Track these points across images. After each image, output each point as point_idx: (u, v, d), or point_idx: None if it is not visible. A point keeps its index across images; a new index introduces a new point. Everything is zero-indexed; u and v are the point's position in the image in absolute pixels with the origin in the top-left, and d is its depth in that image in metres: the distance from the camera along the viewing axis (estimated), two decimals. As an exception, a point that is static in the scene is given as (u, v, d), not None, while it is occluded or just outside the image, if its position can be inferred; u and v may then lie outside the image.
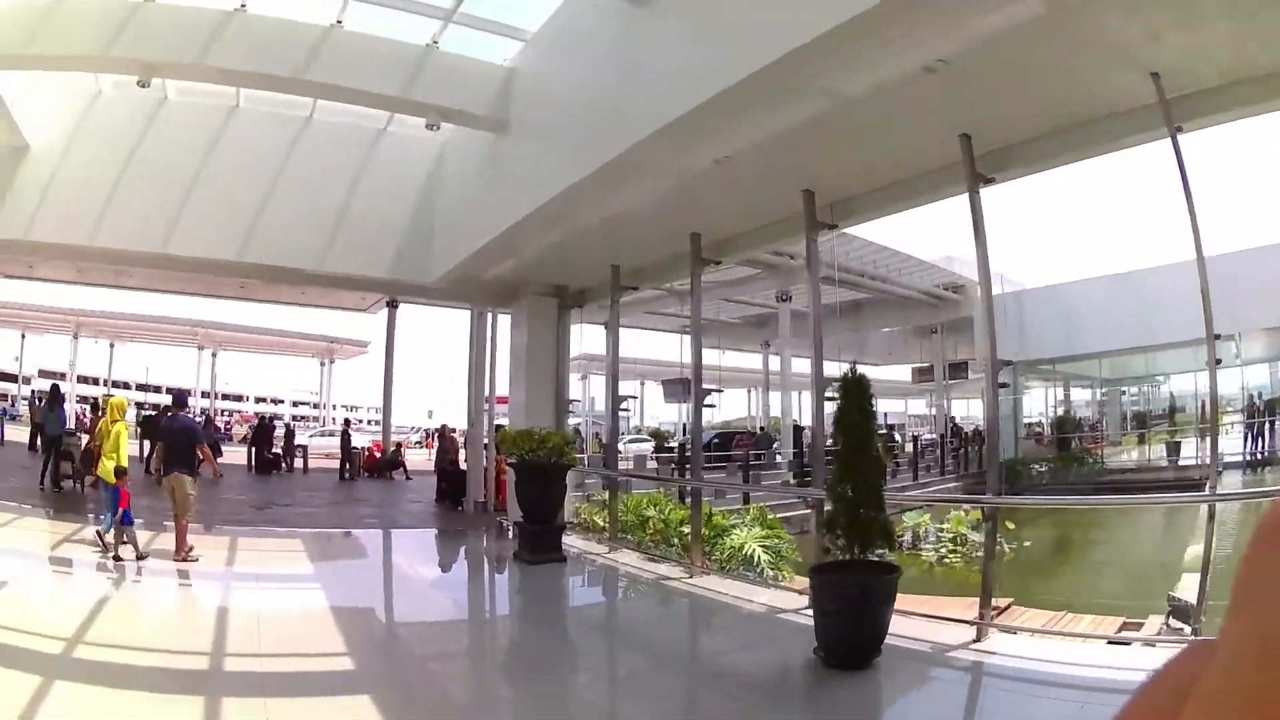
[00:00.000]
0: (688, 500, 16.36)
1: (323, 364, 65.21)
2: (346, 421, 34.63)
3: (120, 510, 12.06)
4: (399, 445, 33.81)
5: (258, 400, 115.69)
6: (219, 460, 22.39)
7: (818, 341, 11.77)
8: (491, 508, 20.12)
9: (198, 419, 26.64)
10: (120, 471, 12.30)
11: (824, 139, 9.73)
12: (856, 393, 8.76)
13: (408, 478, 30.27)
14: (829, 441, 10.08)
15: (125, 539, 12.11)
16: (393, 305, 31.34)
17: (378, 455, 31.59)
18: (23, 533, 14.29)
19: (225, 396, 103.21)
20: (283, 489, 25.53)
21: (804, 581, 11.88)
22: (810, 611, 9.74)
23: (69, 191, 15.77)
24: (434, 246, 16.90)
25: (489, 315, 20.51)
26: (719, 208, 12.71)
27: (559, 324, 18.22)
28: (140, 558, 12.02)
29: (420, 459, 37.43)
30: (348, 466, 29.92)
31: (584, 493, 19.58)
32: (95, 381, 73.98)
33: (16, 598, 9.85)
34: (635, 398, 28.09)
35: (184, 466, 12.62)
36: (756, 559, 13.71)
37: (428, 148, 17.11)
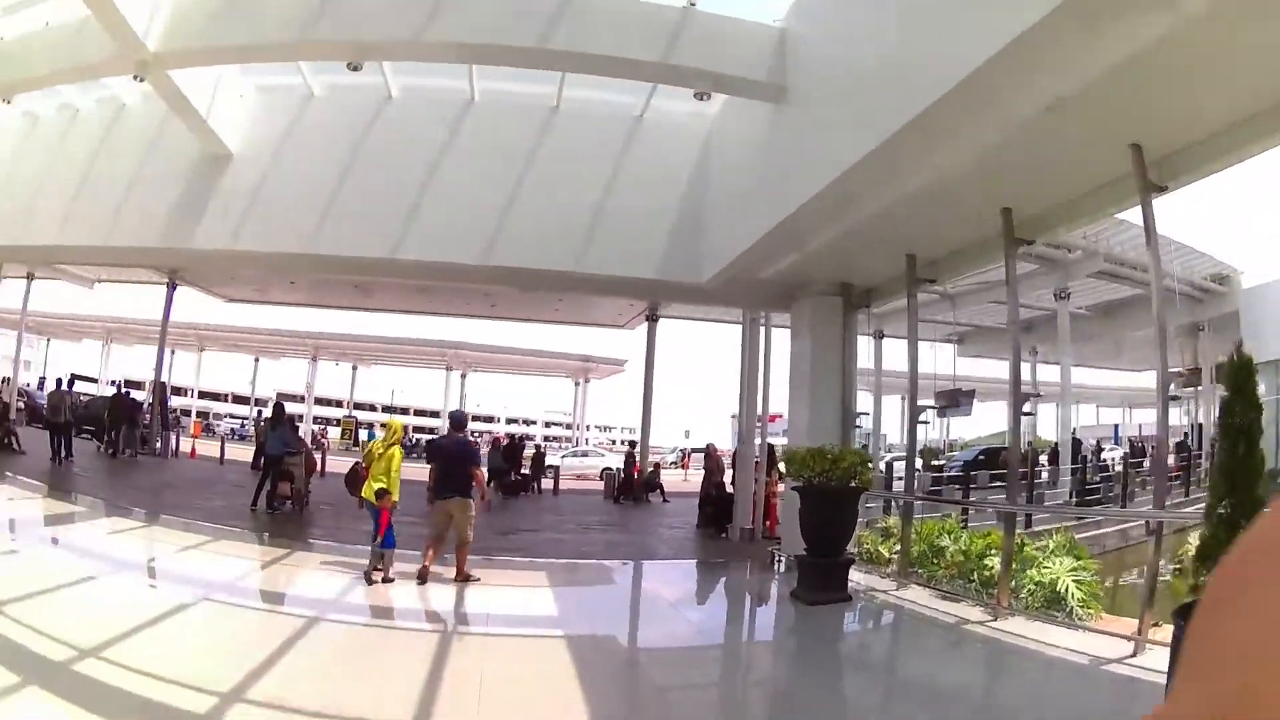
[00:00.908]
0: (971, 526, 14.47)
1: (577, 384, 65.18)
2: (632, 444, 33.06)
3: (381, 533, 11.97)
4: (656, 466, 32.55)
5: (509, 421, 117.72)
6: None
7: (1162, 333, 9.84)
8: (759, 535, 18.51)
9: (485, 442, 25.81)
10: (381, 493, 12.06)
11: (1153, 75, 7.66)
12: (1245, 384, 6.72)
13: (665, 500, 29.02)
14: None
15: (379, 564, 11.89)
16: (652, 319, 29.98)
17: (635, 476, 30.28)
18: (226, 557, 13.55)
19: (476, 418, 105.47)
20: (530, 513, 24.22)
21: (1122, 622, 10.44)
22: (1138, 661, 8.56)
23: (281, 198, 15.46)
24: (705, 242, 15.31)
25: (761, 324, 18.77)
26: (1032, 175, 10.48)
27: (845, 327, 16.01)
28: (386, 580, 11.77)
29: (674, 479, 35.99)
30: (628, 490, 29.10)
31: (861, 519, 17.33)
32: (338, 404, 76.29)
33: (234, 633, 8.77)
34: (933, 407, 25.75)
35: (459, 489, 12.38)
36: (1069, 595, 11.62)
37: (692, 132, 15.63)
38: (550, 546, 17.20)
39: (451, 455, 12.67)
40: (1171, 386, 9.28)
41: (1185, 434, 35.85)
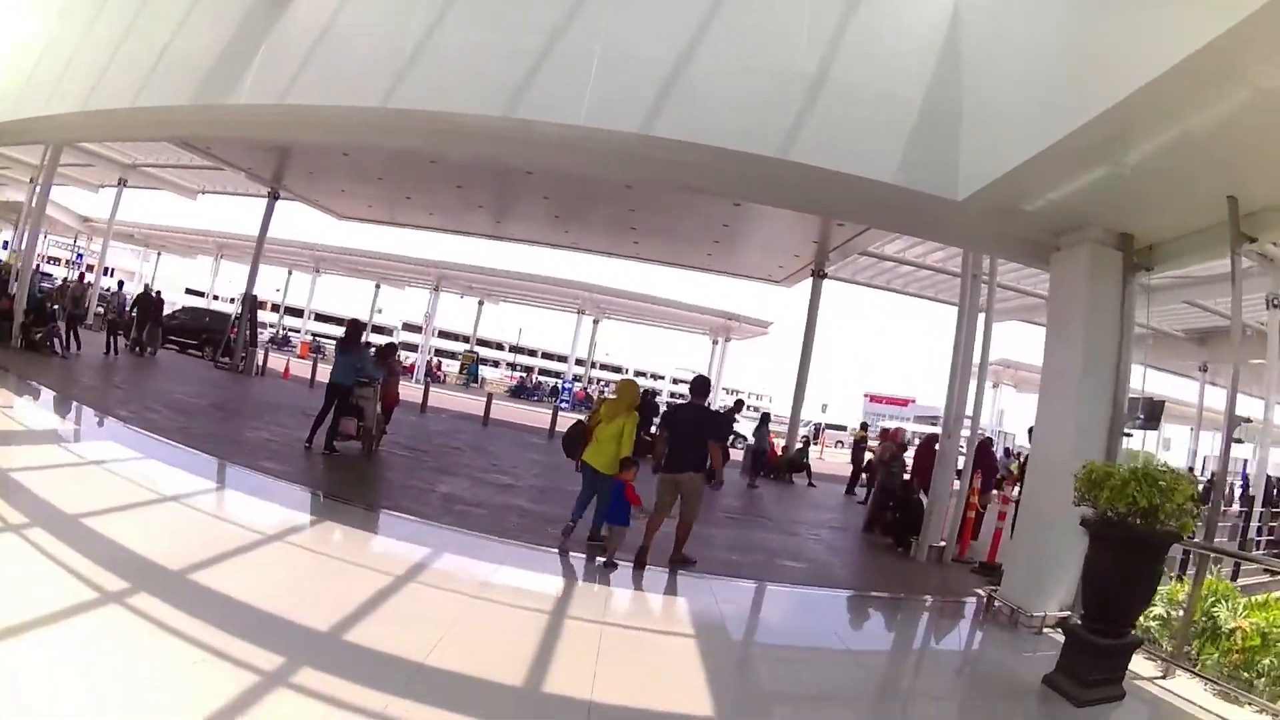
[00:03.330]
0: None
1: (715, 342, 60.27)
2: (864, 426, 29.26)
3: (635, 504, 10.79)
4: (805, 442, 28.35)
5: (637, 374, 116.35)
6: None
7: None
8: (949, 558, 14.33)
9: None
10: (627, 462, 11.04)
11: None
12: None
13: (811, 484, 24.90)
14: None
15: (605, 536, 10.95)
16: (819, 275, 26.31)
17: (778, 453, 26.23)
18: (214, 519, 9.66)
19: (603, 367, 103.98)
20: (653, 486, 18.68)
21: None
22: None
23: (354, 40, 12.12)
24: (961, 145, 10.55)
25: (982, 277, 14.63)
26: None
27: (1124, 294, 11.08)
28: (609, 565, 10.54)
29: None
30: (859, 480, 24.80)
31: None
32: (464, 339, 75.39)
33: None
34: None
35: (694, 464, 11.16)
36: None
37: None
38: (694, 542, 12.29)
39: (692, 425, 11.37)
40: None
41: None
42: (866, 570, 13.72)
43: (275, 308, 73.44)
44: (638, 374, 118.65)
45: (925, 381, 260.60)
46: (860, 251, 24.34)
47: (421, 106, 11.44)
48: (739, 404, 25.05)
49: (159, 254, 65.54)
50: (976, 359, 14.84)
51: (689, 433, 11.27)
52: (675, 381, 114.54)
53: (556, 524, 11.45)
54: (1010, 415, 57.03)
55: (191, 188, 36.01)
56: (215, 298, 61.57)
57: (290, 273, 63.75)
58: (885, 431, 21.36)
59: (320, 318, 77.84)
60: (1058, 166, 9.33)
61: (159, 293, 32.80)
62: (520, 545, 10.73)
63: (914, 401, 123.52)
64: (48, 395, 15.96)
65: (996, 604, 11.04)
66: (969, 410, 14.83)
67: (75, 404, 15.60)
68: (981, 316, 14.75)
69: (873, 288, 29.43)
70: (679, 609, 9.57)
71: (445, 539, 10.37)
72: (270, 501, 10.73)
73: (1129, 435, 11.53)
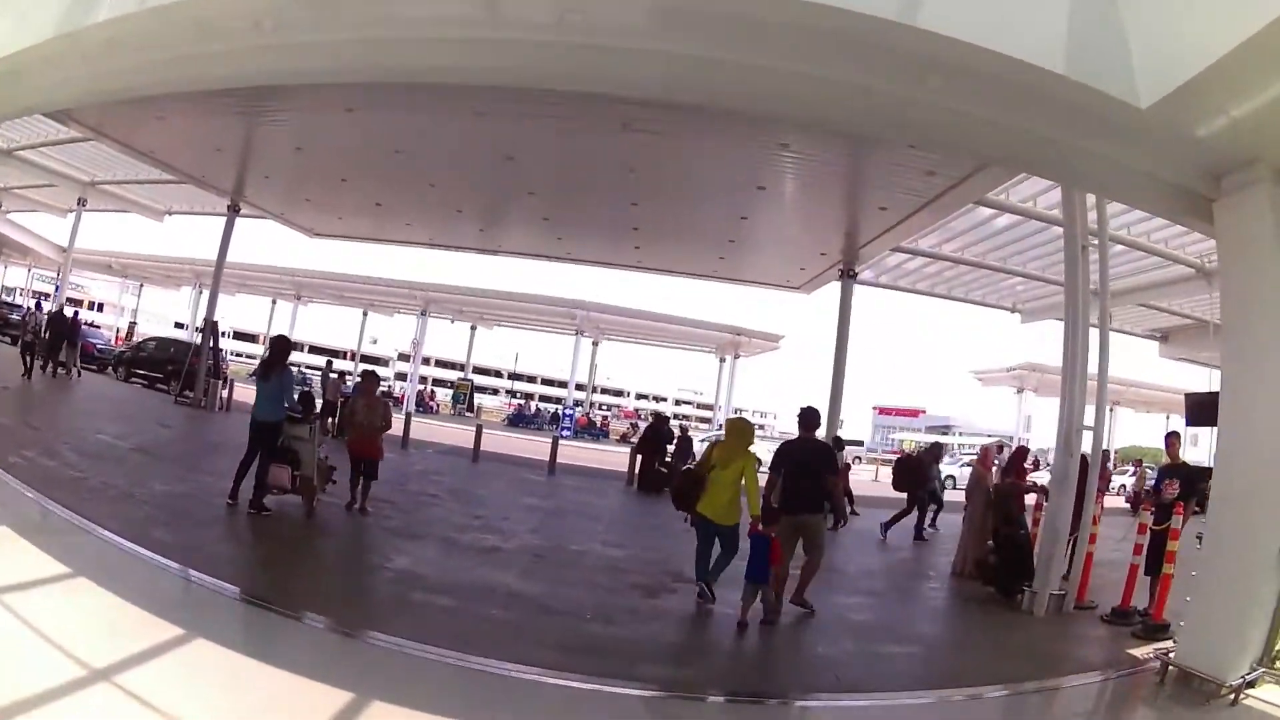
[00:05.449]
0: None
1: (722, 360, 57.50)
2: (937, 446, 22.42)
3: (774, 563, 9.56)
4: (846, 467, 23.17)
5: (638, 396, 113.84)
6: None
7: None
8: (1069, 606, 11.37)
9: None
10: (771, 514, 9.91)
11: None
12: None
13: (854, 513, 19.85)
14: None
15: (759, 597, 9.55)
16: (849, 275, 22.83)
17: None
18: None
19: (604, 391, 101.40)
20: (676, 523, 12.33)
21: None
22: None
23: None
24: (1130, 34, 7.03)
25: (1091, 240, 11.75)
26: None
27: None
28: (768, 621, 9.50)
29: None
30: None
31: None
32: (459, 367, 73.94)
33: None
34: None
35: (813, 505, 10.29)
36: None
37: None
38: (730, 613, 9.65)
39: (806, 463, 10.32)
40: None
41: None
42: (992, 645, 10.24)
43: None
44: (639, 396, 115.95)
45: (930, 389, 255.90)
46: (893, 248, 21.43)
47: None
48: (936, 446, 21.12)
49: (141, 285, 64.43)
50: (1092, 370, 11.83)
51: (804, 471, 10.25)
52: (678, 403, 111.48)
53: (557, 617, 8.93)
54: (1037, 422, 53.90)
55: (157, 208, 33.69)
56: (198, 330, 59.32)
57: (275, 302, 61.35)
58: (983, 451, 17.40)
59: (315, 350, 75.74)
60: (1257, 64, 6.42)
61: (77, 313, 33.68)
62: (502, 669, 6.94)
63: (924, 412, 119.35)
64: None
65: (1170, 669, 8.28)
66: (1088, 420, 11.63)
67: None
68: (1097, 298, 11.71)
69: (898, 290, 26.54)
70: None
71: (395, 666, 6.79)
72: (122, 596, 7.05)
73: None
